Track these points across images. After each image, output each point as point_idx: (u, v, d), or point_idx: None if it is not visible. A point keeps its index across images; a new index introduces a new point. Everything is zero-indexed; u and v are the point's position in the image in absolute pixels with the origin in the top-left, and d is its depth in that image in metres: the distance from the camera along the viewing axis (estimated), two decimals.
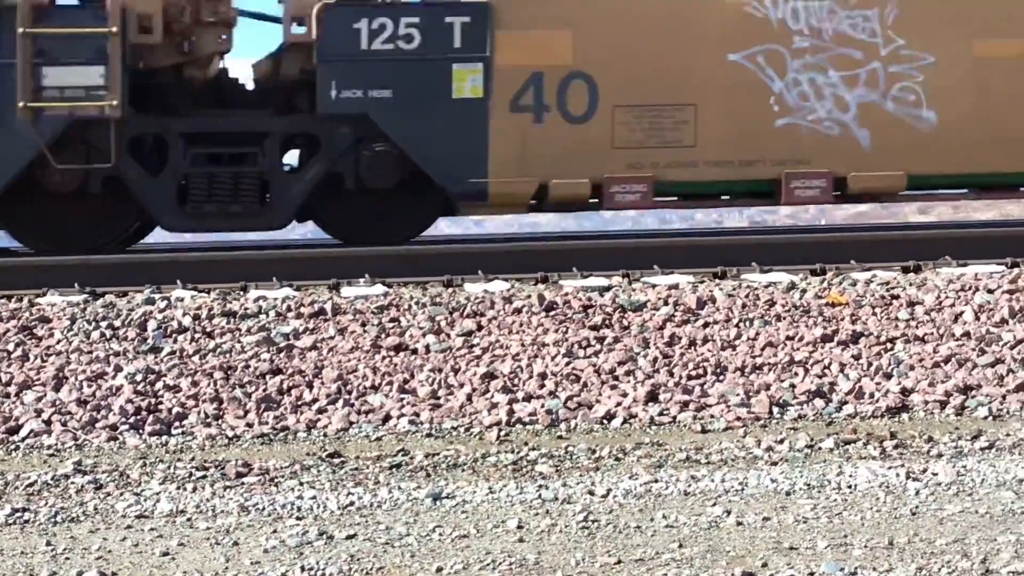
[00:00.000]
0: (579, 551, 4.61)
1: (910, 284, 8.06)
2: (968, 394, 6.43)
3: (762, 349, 7.00)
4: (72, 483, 5.30)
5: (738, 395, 6.37)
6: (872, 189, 9.67)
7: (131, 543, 4.70)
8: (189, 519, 4.95)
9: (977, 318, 7.43)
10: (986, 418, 6.18)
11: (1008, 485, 5.24)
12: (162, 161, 9.04)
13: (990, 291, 7.81)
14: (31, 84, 8.56)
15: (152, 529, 4.85)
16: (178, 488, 5.24)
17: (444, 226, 12.23)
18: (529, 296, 7.72)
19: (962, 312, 7.50)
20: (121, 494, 5.18)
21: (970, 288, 7.88)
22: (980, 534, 4.70)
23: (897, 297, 7.78)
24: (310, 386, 6.45)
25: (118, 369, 6.50)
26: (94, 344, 6.87)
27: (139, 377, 6.40)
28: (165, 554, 4.59)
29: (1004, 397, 6.39)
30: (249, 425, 6.06)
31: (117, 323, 7.15)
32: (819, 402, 6.34)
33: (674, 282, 8.16)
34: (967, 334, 7.19)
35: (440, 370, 6.66)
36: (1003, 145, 9.71)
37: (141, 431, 5.93)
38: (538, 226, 12.77)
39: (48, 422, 5.96)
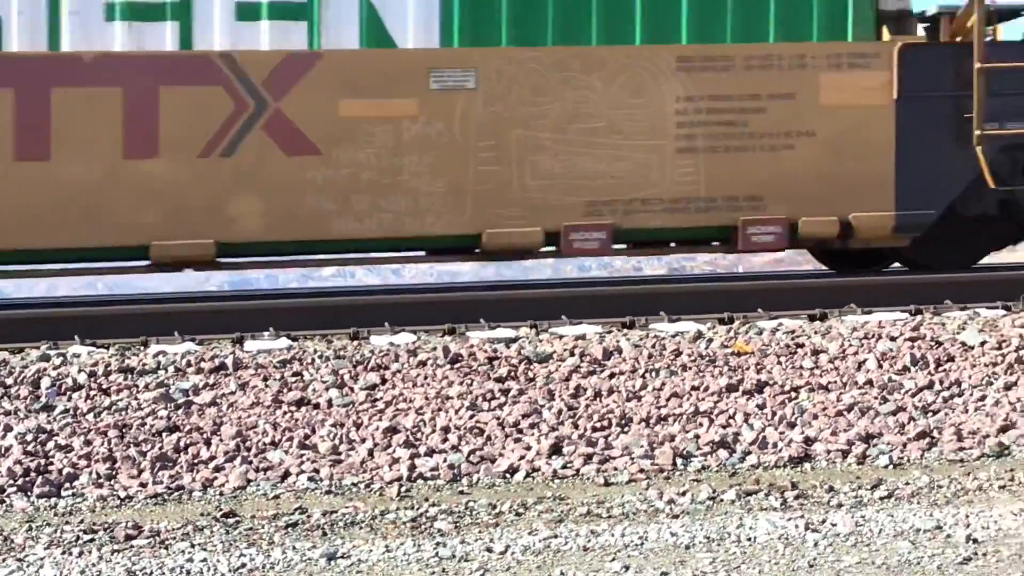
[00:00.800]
0: None
1: (815, 332, 8.11)
2: (870, 442, 6.45)
3: (667, 400, 6.98)
4: None
5: (642, 447, 6.34)
6: None
7: None
8: None
9: (880, 366, 7.48)
10: (887, 466, 6.19)
11: (906, 535, 5.24)
12: None
13: (892, 339, 7.87)
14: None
15: None
16: (63, 553, 5.09)
17: (360, 275, 12.14)
18: (435, 348, 7.65)
19: (865, 360, 7.55)
20: (3, 560, 5.02)
21: (873, 336, 7.94)
22: None
23: (802, 345, 7.82)
24: (208, 443, 6.33)
25: (7, 429, 6.34)
26: None
27: (29, 437, 6.24)
28: None
29: (904, 445, 6.42)
30: (143, 485, 5.92)
31: (9, 380, 6.98)
32: (723, 453, 6.33)
33: (581, 332, 8.14)
34: (870, 382, 7.23)
35: (342, 425, 6.57)
36: None
37: (29, 493, 5.77)
38: (457, 275, 12.73)
39: None
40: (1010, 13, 10.09)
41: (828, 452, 6.34)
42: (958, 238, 9.89)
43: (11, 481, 5.83)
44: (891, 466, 6.20)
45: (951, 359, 7.54)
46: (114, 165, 8.47)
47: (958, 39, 9.66)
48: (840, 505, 5.63)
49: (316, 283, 12.30)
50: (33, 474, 5.90)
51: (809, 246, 9.99)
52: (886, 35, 9.69)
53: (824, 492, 5.80)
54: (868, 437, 6.49)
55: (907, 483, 5.91)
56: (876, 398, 6.98)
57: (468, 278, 12.40)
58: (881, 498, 5.71)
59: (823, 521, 5.39)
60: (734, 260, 17.34)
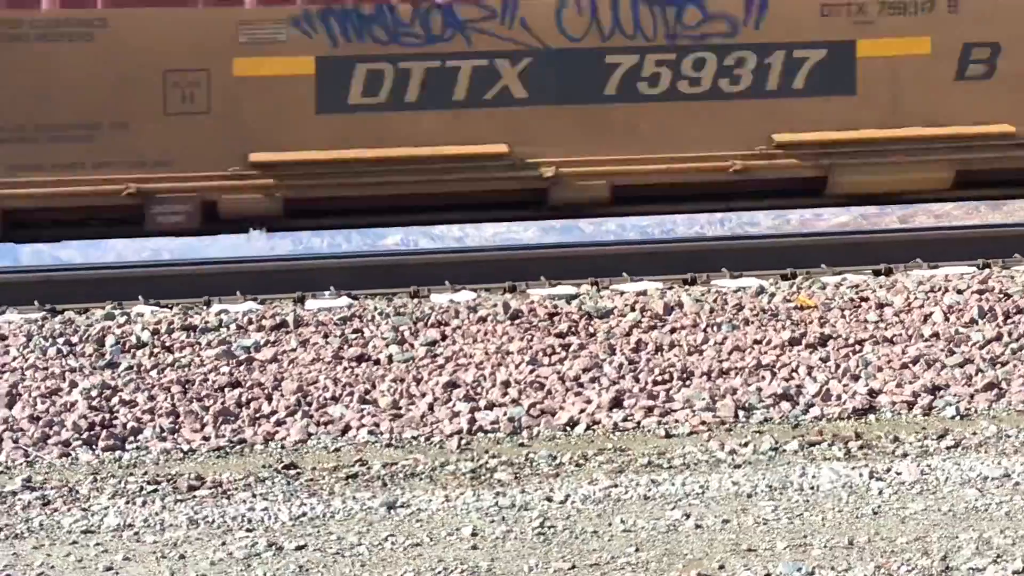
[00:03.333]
0: (533, 557, 4.52)
1: (880, 286, 7.99)
2: (936, 394, 6.35)
3: (729, 353, 6.91)
4: (19, 500, 5.20)
5: (703, 400, 6.29)
6: None
7: (75, 558, 4.60)
8: (136, 533, 4.85)
9: (946, 319, 7.36)
10: (953, 418, 6.10)
11: (972, 483, 5.15)
12: None
13: (959, 292, 7.74)
14: None
15: (98, 544, 4.74)
16: (127, 503, 5.14)
17: (416, 238, 12.15)
18: (495, 305, 7.63)
19: (931, 313, 7.43)
20: (68, 510, 5.08)
21: (940, 289, 7.82)
22: (942, 532, 4.62)
23: (866, 299, 7.71)
24: (269, 399, 6.36)
25: (73, 385, 6.40)
26: (50, 361, 6.77)
27: (94, 393, 6.30)
28: (109, 568, 4.49)
29: (972, 396, 6.32)
30: (206, 439, 5.96)
31: (74, 339, 7.05)
32: (785, 405, 6.26)
33: (642, 288, 8.08)
34: (936, 335, 7.11)
35: (402, 380, 6.57)
36: None
37: (94, 447, 5.82)
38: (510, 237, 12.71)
39: None
40: None
41: (893, 404, 6.25)
42: None
43: (76, 435, 5.89)
44: (958, 417, 6.10)
45: (1020, 311, 7.41)
46: None
47: None
48: (905, 455, 5.56)
49: (377, 247, 12.34)
50: (98, 428, 5.96)
51: None
52: None
53: (889, 442, 5.72)
54: (934, 389, 6.39)
55: (974, 433, 5.81)
56: (943, 351, 6.87)
57: (528, 240, 12.37)
58: (948, 448, 5.62)
59: (888, 470, 5.32)
60: (798, 222, 17.18)
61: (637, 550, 4.54)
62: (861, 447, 5.67)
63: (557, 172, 8.66)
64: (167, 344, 7.05)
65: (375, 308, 7.67)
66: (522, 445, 5.86)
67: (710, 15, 8.75)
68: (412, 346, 7.08)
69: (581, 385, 6.50)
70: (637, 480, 5.28)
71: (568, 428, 6.05)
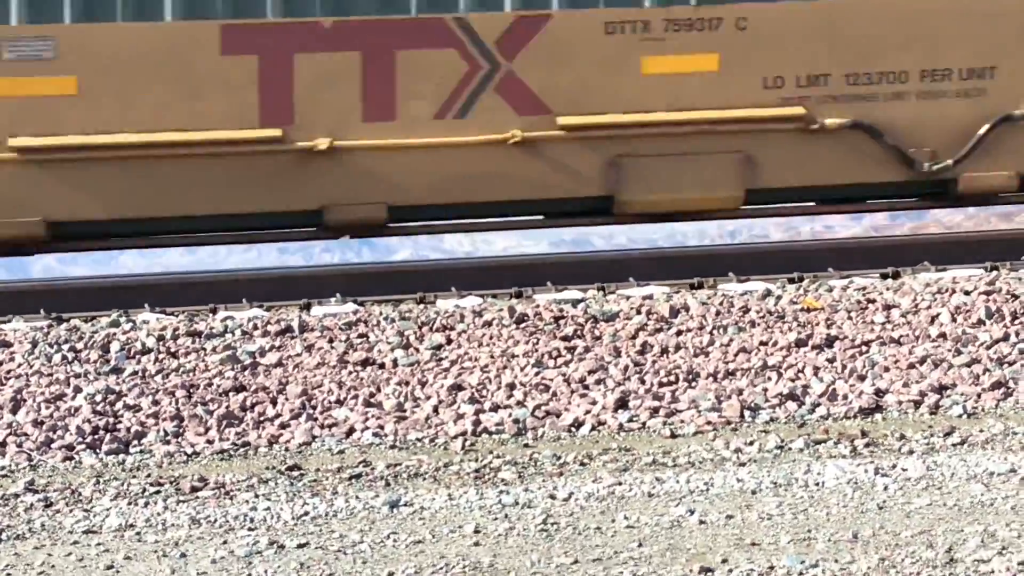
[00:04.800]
0: (535, 553, 4.49)
1: (887, 288, 7.96)
2: (943, 393, 6.32)
3: (735, 355, 6.89)
4: (21, 502, 5.19)
5: (709, 400, 6.26)
6: None
7: (76, 557, 4.59)
8: (138, 533, 4.84)
9: (953, 319, 7.32)
10: (960, 416, 6.06)
11: (979, 478, 5.12)
12: None
13: (967, 293, 7.70)
14: None
15: (99, 544, 4.73)
16: (129, 504, 5.13)
17: (421, 245, 12.15)
18: (501, 310, 7.62)
19: (938, 314, 7.39)
20: (71, 511, 5.07)
21: (947, 291, 7.78)
22: (947, 525, 4.58)
23: (873, 301, 7.68)
24: (274, 402, 6.35)
25: (77, 390, 6.40)
26: (55, 367, 6.76)
27: (99, 397, 6.30)
28: (110, 567, 4.48)
29: (979, 395, 6.28)
30: (209, 442, 5.95)
31: (79, 346, 7.05)
32: (791, 405, 6.23)
33: (648, 293, 8.06)
34: (943, 335, 7.08)
35: (407, 383, 6.56)
36: None
37: (98, 450, 5.82)
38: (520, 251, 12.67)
39: (3, 443, 5.85)
40: None
41: (900, 403, 6.22)
42: None
43: (80, 439, 5.89)
44: (964, 415, 6.06)
45: None
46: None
47: None
48: (911, 452, 5.53)
49: (383, 254, 12.35)
50: (102, 432, 5.96)
51: None
52: None
53: (895, 440, 5.69)
54: (941, 388, 6.36)
55: (981, 431, 5.78)
56: (950, 351, 6.83)
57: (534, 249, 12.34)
58: (954, 445, 5.59)
59: (893, 466, 5.29)
60: (809, 232, 17.14)
61: (640, 545, 4.51)
62: (867, 445, 5.64)
63: None
64: (172, 350, 7.05)
65: (380, 313, 7.67)
66: (526, 446, 5.84)
67: None
68: (417, 350, 7.07)
69: (586, 387, 6.48)
70: (641, 478, 5.25)
71: (573, 429, 6.03)
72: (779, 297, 7.83)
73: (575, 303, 7.83)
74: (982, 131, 8.92)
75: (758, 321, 7.39)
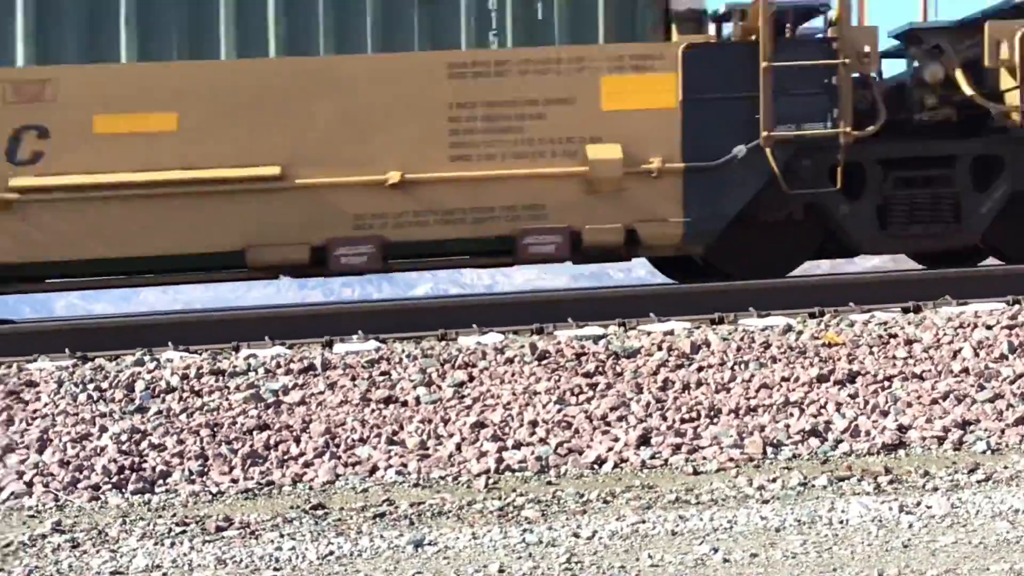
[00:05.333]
0: None
1: (908, 323, 7.95)
2: (966, 429, 6.31)
3: (757, 391, 6.89)
4: (49, 542, 5.22)
5: (731, 437, 6.27)
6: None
7: None
8: (165, 574, 4.86)
9: (976, 354, 7.31)
10: (984, 452, 6.05)
11: (1004, 515, 5.11)
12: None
13: (989, 327, 7.69)
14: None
15: None
16: (156, 544, 5.16)
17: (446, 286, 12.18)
18: (522, 346, 7.64)
19: (960, 349, 7.38)
20: (97, 551, 5.10)
21: (969, 325, 7.77)
22: (973, 564, 4.57)
23: (895, 336, 7.67)
24: (297, 441, 6.37)
25: (103, 430, 6.44)
26: (80, 406, 6.81)
27: (124, 437, 6.33)
28: None
29: (1003, 431, 6.27)
30: (234, 481, 5.98)
31: (104, 385, 7.09)
32: (814, 441, 6.23)
33: (669, 328, 8.07)
34: (965, 370, 7.07)
35: (430, 421, 6.58)
36: None
37: (124, 490, 5.85)
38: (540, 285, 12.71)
39: (30, 484, 5.89)
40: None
41: (923, 439, 6.21)
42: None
43: (106, 479, 5.92)
44: (988, 451, 6.05)
45: None
46: None
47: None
48: (936, 488, 5.51)
49: (405, 291, 12.39)
50: (127, 472, 5.99)
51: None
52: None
53: (919, 476, 5.68)
54: (964, 424, 6.35)
55: (1005, 467, 5.76)
56: (972, 386, 6.82)
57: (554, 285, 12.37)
58: (978, 481, 5.58)
59: (918, 504, 5.28)
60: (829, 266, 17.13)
61: None
62: (891, 481, 5.63)
63: None
64: (196, 388, 7.08)
65: (402, 351, 7.70)
66: (549, 483, 5.84)
67: None
68: (439, 387, 7.09)
69: (608, 424, 6.49)
70: (665, 516, 5.25)
71: (596, 466, 6.04)
72: (800, 332, 7.83)
73: (596, 339, 7.85)
74: None
75: (779, 356, 7.39)
